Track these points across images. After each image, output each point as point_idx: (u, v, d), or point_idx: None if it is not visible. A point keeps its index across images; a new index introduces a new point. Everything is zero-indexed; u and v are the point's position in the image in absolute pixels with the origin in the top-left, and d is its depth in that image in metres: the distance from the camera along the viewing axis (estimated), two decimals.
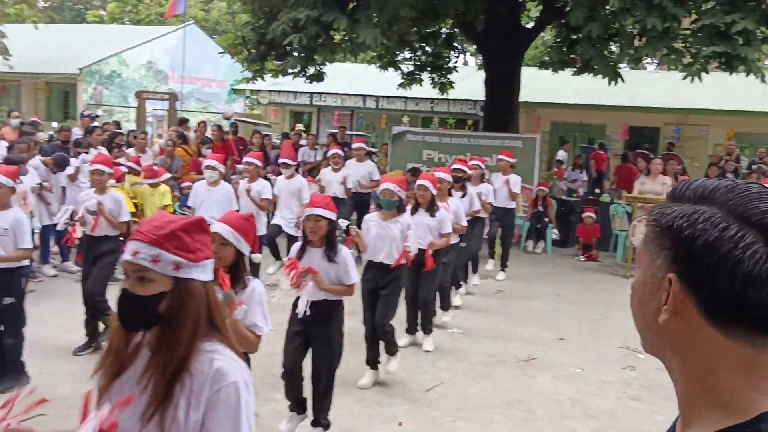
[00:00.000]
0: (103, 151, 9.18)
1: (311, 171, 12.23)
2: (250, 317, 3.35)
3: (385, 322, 5.54)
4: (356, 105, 18.73)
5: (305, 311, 4.31)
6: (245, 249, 3.43)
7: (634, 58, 9.47)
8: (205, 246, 1.74)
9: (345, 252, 4.51)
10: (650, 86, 18.46)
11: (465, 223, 6.98)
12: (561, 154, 15.09)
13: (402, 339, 6.30)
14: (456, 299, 7.89)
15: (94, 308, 5.89)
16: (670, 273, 0.88)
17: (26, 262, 5.33)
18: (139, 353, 1.73)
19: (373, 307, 5.57)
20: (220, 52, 14.60)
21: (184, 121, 13.08)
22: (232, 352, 1.73)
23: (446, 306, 7.30)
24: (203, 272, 1.73)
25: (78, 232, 6.05)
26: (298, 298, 4.46)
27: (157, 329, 1.68)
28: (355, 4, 9.06)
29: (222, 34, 33.67)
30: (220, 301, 1.89)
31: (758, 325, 0.83)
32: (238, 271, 3.43)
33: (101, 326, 5.95)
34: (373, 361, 5.63)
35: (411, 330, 6.58)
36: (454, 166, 7.82)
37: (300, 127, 17.05)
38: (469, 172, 8.04)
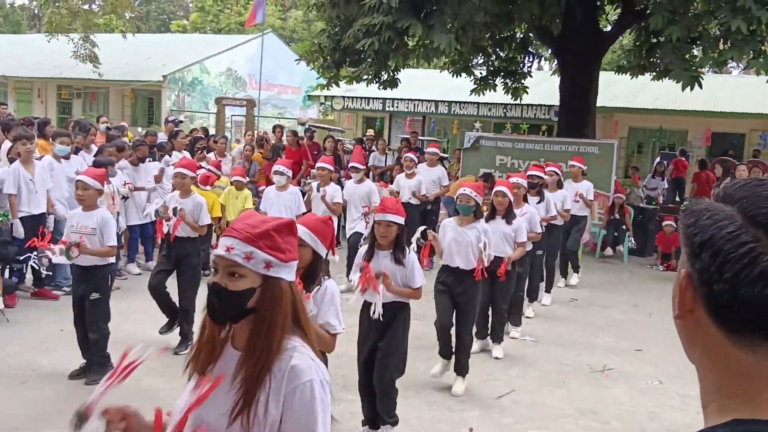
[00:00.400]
0: (186, 155, 9.55)
1: (382, 176, 12.34)
2: (323, 316, 3.43)
3: (467, 331, 5.55)
4: (428, 110, 18.78)
5: (379, 313, 4.36)
6: (322, 251, 3.50)
7: (718, 62, 9.09)
8: (293, 247, 1.79)
9: (412, 255, 4.56)
10: (735, 91, 17.73)
11: (540, 231, 6.87)
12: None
13: (473, 344, 6.25)
14: (529, 311, 7.77)
15: (183, 316, 6.10)
16: (683, 270, 0.87)
17: (112, 260, 5.57)
18: (225, 349, 1.79)
19: (447, 309, 5.57)
20: (296, 60, 14.90)
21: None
22: (310, 350, 1.76)
23: (517, 321, 7.15)
24: (290, 273, 1.77)
25: (164, 228, 6.25)
26: (365, 303, 4.54)
27: (247, 327, 1.72)
28: (429, 10, 9.06)
29: (298, 42, 34.38)
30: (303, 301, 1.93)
31: (754, 328, 0.80)
32: (314, 271, 3.50)
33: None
34: (446, 354, 5.64)
35: (481, 334, 6.53)
36: (530, 171, 7.72)
37: (370, 133, 17.19)
38: (546, 178, 7.93)
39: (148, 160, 8.76)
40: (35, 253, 6.67)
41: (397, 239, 4.46)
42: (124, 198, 8.27)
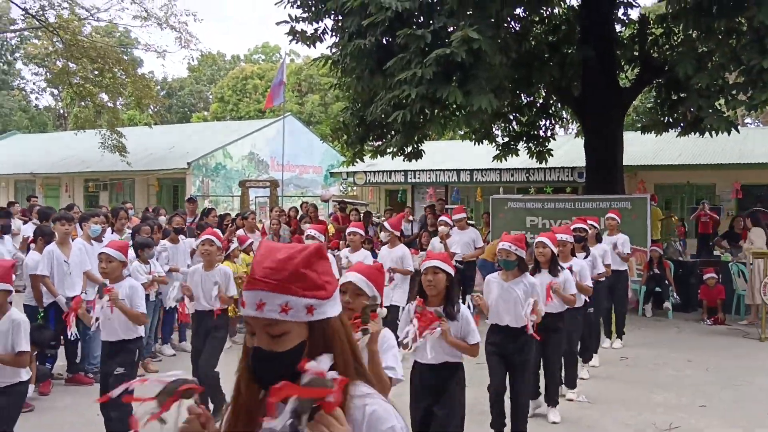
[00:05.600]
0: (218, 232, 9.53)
1: (409, 245, 12.21)
2: (383, 361, 3.23)
3: (523, 392, 5.25)
4: (450, 180, 18.84)
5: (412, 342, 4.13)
6: (377, 299, 3.34)
7: (751, 105, 9.02)
8: (330, 275, 1.53)
9: (465, 309, 4.34)
10: (761, 141, 17.61)
11: (591, 284, 6.59)
12: None
13: None
14: (583, 371, 7.40)
15: (208, 386, 5.85)
16: None
17: (141, 333, 5.35)
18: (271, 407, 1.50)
19: (500, 372, 5.29)
20: (322, 139, 15.14)
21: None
22: (381, 395, 1.57)
23: (572, 383, 6.78)
24: (335, 306, 1.52)
25: (189, 308, 6.08)
26: (415, 363, 4.32)
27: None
28: (462, 77, 9.18)
29: (316, 124, 35.20)
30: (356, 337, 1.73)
31: None
32: (368, 320, 3.34)
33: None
34: (499, 427, 5.31)
35: (533, 395, 6.19)
36: (575, 225, 7.52)
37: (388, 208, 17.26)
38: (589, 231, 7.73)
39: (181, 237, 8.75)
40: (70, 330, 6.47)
41: (447, 292, 4.25)
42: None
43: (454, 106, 10.22)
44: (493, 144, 14.35)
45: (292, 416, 1.35)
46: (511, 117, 14.30)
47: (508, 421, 5.29)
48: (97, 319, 5.15)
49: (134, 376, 5.23)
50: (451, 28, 9.43)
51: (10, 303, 4.34)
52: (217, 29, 68.76)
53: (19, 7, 20.60)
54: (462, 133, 15.41)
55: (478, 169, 18.06)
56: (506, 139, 14.44)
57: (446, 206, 15.39)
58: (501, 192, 17.09)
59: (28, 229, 9.48)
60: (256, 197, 20.51)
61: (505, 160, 14.42)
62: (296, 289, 1.44)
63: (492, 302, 5.27)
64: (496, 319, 5.25)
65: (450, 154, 20.25)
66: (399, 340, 4.15)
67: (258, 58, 50.28)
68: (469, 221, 13.93)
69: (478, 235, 10.26)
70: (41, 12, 20.11)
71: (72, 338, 6.52)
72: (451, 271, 4.25)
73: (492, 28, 9.39)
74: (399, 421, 1.51)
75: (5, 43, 35.04)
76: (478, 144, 14.32)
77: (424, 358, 4.19)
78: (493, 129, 14.60)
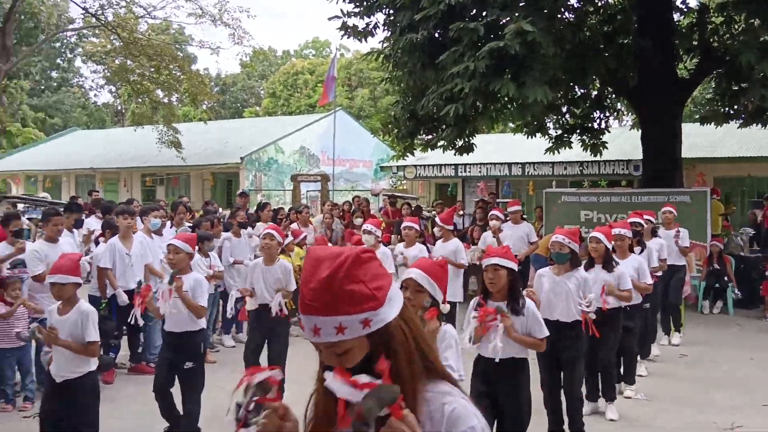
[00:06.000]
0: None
1: (461, 239, 12.16)
2: (443, 359, 3.23)
3: (576, 389, 5.19)
4: (502, 173, 18.66)
5: (495, 349, 4.11)
6: (439, 296, 3.35)
7: None
8: (379, 278, 1.45)
9: (531, 304, 4.30)
10: None
11: (650, 282, 6.43)
12: None
13: (584, 406, 5.84)
14: (641, 368, 7.26)
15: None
16: None
17: (203, 325, 5.44)
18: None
19: (552, 369, 5.24)
20: (372, 133, 15.19)
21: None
22: (462, 393, 1.55)
23: (631, 379, 6.67)
24: (392, 307, 1.46)
25: (250, 305, 6.11)
26: (478, 356, 4.29)
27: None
28: (516, 70, 9.09)
29: (366, 118, 35.33)
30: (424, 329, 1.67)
31: None
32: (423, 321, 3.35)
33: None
34: (558, 426, 5.26)
35: (592, 396, 6.11)
36: (631, 219, 7.37)
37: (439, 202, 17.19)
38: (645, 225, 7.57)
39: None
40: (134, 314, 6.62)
41: (510, 288, 4.22)
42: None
43: (506, 98, 10.11)
44: (546, 137, 14.15)
45: (359, 423, 1.34)
46: (565, 109, 14.05)
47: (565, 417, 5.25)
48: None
49: (203, 368, 5.36)
50: (504, 21, 9.33)
51: None
52: (269, 25, 69.64)
53: (78, 5, 21.28)
54: (514, 125, 15.26)
55: (530, 163, 17.83)
56: (559, 132, 14.21)
57: (499, 200, 15.28)
58: (553, 185, 16.85)
59: (91, 223, 9.79)
60: (307, 191, 20.76)
61: (558, 152, 14.20)
62: (347, 309, 1.40)
63: (543, 297, 5.21)
64: (547, 313, 5.16)
65: (501, 147, 20.06)
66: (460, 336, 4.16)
67: (308, 53, 50.74)
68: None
69: (531, 230, 10.14)
70: (100, 11, 20.73)
71: (138, 324, 6.62)
72: (513, 266, 4.22)
73: (546, 19, 9.25)
74: (479, 421, 1.49)
75: (65, 41, 36.23)
76: (531, 137, 14.14)
77: (489, 352, 4.17)
78: (546, 121, 14.39)
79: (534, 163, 17.73)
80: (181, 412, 5.27)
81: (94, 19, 21.33)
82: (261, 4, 36.80)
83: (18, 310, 6.25)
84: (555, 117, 14.29)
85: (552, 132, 14.35)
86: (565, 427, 5.25)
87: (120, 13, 20.73)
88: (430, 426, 1.46)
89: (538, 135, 14.04)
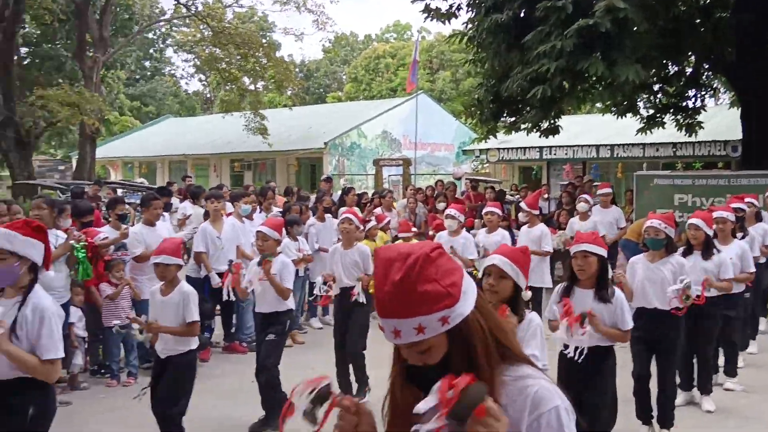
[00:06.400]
0: (356, 210, 9.83)
1: (546, 223, 11.91)
2: (527, 348, 3.21)
3: (669, 379, 5.03)
4: (589, 155, 18.12)
5: (575, 356, 4.05)
6: (522, 282, 3.32)
7: None
8: (450, 273, 1.46)
9: (619, 293, 4.18)
10: None
11: (753, 270, 6.10)
12: None
13: (677, 397, 5.65)
14: (739, 359, 6.91)
15: (355, 367, 6.06)
16: None
17: (291, 305, 5.64)
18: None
19: (645, 358, 5.09)
20: (455, 116, 15.07)
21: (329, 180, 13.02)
22: (543, 375, 1.57)
23: (733, 371, 6.38)
24: (467, 299, 1.47)
25: (334, 290, 6.19)
26: (565, 345, 4.22)
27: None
28: (605, 48, 8.79)
29: (447, 101, 35.08)
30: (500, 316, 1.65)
31: None
32: (516, 304, 3.32)
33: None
34: (645, 417, 5.12)
35: (686, 386, 5.90)
36: (733, 205, 7.01)
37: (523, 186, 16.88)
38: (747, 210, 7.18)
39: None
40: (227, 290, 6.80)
41: (599, 275, 4.12)
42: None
43: (595, 78, 9.80)
44: (637, 117, 13.62)
45: (452, 421, 1.37)
46: (657, 88, 13.48)
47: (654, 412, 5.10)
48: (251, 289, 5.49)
49: (284, 343, 5.59)
50: None
51: None
52: (351, 9, 70.06)
53: None
54: (602, 106, 14.78)
55: (619, 144, 17.21)
56: (651, 112, 13.65)
57: (594, 182, 14.82)
58: (644, 168, 16.22)
59: (186, 208, 10.22)
60: (389, 175, 20.85)
61: (650, 133, 13.64)
62: (424, 309, 1.41)
63: (637, 285, 5.06)
64: (642, 301, 5.04)
65: (588, 129, 19.46)
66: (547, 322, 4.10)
67: (390, 37, 50.74)
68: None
69: (621, 215, 9.81)
70: (190, 1, 21.45)
71: (231, 300, 6.84)
72: (603, 253, 4.12)
73: None
74: (563, 401, 1.50)
75: (158, 31, 37.75)
76: (621, 117, 13.65)
77: (573, 347, 4.10)
78: (637, 101, 13.84)
79: (624, 145, 17.10)
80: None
81: (184, 9, 22.11)
82: None
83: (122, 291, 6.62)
84: (647, 96, 13.73)
85: (643, 112, 13.79)
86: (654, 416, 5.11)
87: (209, 3, 21.38)
88: (513, 410, 1.47)
89: (629, 115, 13.53)
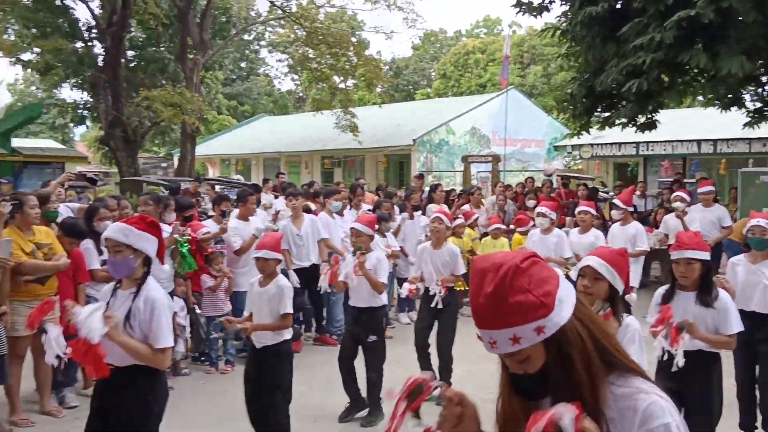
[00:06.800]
0: (444, 207, 9.84)
1: (643, 221, 11.51)
2: None
3: None
4: (689, 151, 17.34)
5: (677, 364, 3.90)
6: (620, 285, 3.23)
7: None
8: (544, 282, 1.45)
9: (724, 295, 4.01)
10: None
11: None
12: None
13: None
14: None
15: (443, 365, 6.08)
16: None
17: (385, 301, 5.76)
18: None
19: (747, 362, 4.87)
20: (547, 112, 14.79)
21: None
22: (657, 389, 1.51)
23: None
24: (562, 308, 1.45)
25: (419, 287, 6.24)
26: (664, 351, 4.07)
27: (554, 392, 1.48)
28: (708, 39, 8.40)
29: (538, 96, 34.41)
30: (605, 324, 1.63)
31: None
32: (613, 308, 3.25)
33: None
34: (750, 424, 4.89)
35: None
36: None
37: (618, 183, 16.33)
38: None
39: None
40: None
41: (702, 278, 3.97)
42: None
43: (696, 71, 9.37)
44: (743, 110, 12.90)
45: None
46: (765, 80, 12.71)
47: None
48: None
49: (384, 342, 5.72)
50: None
51: None
52: (441, 6, 69.88)
53: None
54: (704, 99, 14.10)
55: (722, 139, 16.37)
56: (758, 105, 12.89)
57: (686, 180, 14.22)
58: (750, 164, 15.36)
59: (279, 203, 10.53)
60: (477, 172, 20.72)
61: (757, 127, 12.90)
62: (518, 320, 1.42)
63: (738, 286, 4.86)
64: (742, 304, 4.80)
65: (688, 123, 18.61)
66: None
67: (479, 32, 50.26)
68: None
69: (725, 213, 9.30)
70: (285, 2, 22.04)
71: (322, 293, 7.05)
72: (707, 257, 3.97)
73: None
74: (674, 418, 1.45)
75: (253, 32, 39.03)
76: (724, 111, 12.97)
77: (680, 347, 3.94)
78: (743, 94, 13.10)
79: (728, 140, 16.27)
80: (366, 381, 5.62)
81: (279, 11, 22.75)
82: None
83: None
84: (753, 88, 12.98)
85: (750, 105, 13.05)
86: (758, 423, 4.88)
87: (303, 4, 21.90)
88: (621, 423, 1.45)
89: (734, 109, 12.84)
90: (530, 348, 1.43)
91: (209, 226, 7.13)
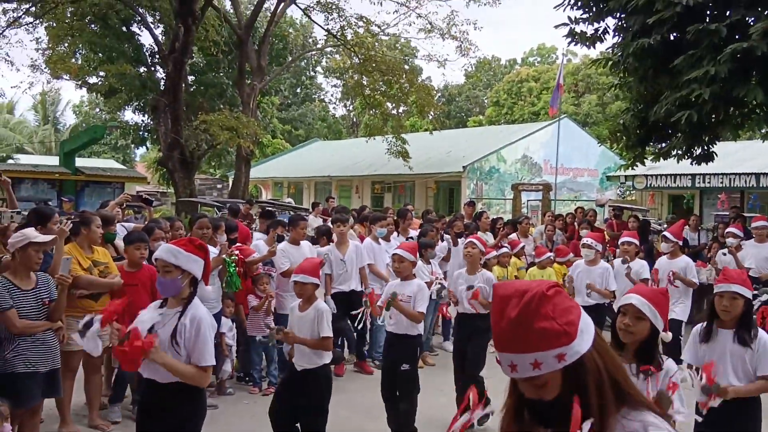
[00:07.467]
0: (489, 236, 9.84)
1: (695, 256, 11.22)
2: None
3: None
4: (748, 185, 16.85)
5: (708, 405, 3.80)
6: (660, 324, 3.20)
7: None
8: (568, 312, 1.50)
9: (764, 336, 3.91)
10: None
11: None
12: None
13: None
14: None
15: (470, 382, 6.02)
16: None
17: (421, 330, 5.75)
18: None
19: None
20: (599, 141, 14.63)
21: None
22: (666, 424, 1.54)
23: None
24: (583, 339, 1.50)
25: (451, 311, 6.27)
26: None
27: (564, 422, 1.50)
28: (762, 71, 8.25)
29: (593, 125, 34.01)
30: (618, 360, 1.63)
31: None
32: (650, 348, 3.19)
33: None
34: None
35: None
36: None
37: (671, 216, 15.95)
38: None
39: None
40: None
41: (742, 316, 3.90)
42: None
43: (754, 103, 9.19)
44: None
45: None
46: None
47: None
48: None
49: (417, 370, 5.71)
50: (751, 20, 8.50)
51: None
52: (495, 34, 70.08)
53: (322, 27, 23.32)
54: (764, 132, 13.74)
55: None
56: None
57: (742, 213, 13.82)
58: None
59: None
60: (528, 200, 20.57)
61: None
62: (540, 345, 1.46)
63: None
64: None
65: (747, 156, 18.11)
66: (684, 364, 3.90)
67: (534, 60, 50.12)
68: None
69: None
70: (341, 31, 22.51)
71: (367, 326, 7.11)
72: (750, 295, 3.90)
73: None
74: None
75: (309, 59, 39.85)
76: None
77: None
78: None
79: None
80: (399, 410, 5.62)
81: (335, 39, 23.26)
82: (486, 14, 37.15)
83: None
84: None
85: None
86: None
87: (359, 32, 22.33)
88: None
89: None
90: (549, 374, 1.47)
91: (259, 246, 7.32)
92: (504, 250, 9.02)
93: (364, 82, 23.07)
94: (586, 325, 1.52)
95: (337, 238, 8.01)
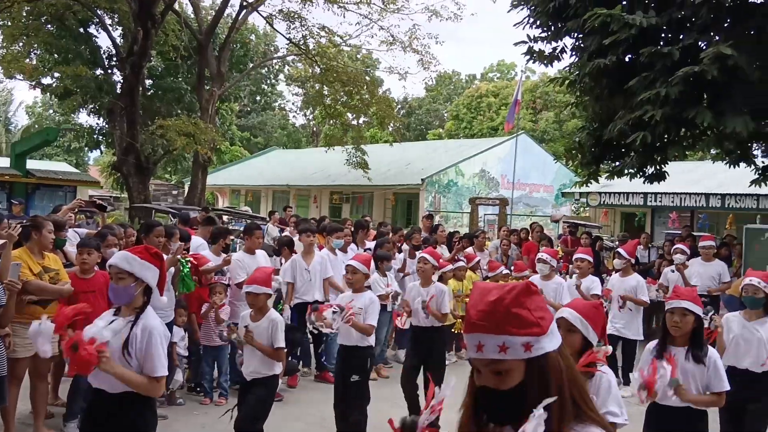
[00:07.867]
0: (445, 249, 9.90)
1: (645, 273, 11.49)
2: (603, 404, 3.18)
3: None
4: (698, 204, 17.36)
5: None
6: (593, 337, 3.28)
7: None
8: (544, 310, 1.55)
9: (714, 353, 4.04)
10: None
11: None
12: None
13: None
14: None
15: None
16: None
17: (372, 342, 5.73)
18: None
19: (735, 422, 4.85)
20: (555, 158, 14.91)
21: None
22: None
23: None
24: (553, 340, 1.54)
25: (405, 323, 6.32)
26: (652, 405, 4.09)
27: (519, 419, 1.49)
28: (713, 97, 8.53)
29: (550, 142, 34.65)
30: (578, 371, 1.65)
31: None
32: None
33: None
34: None
35: None
36: None
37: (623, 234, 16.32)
38: None
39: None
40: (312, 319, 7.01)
41: (694, 333, 4.00)
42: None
43: (704, 125, 9.48)
44: (752, 167, 12.94)
45: None
46: None
47: None
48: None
49: (368, 381, 5.68)
50: (703, 45, 8.80)
51: None
52: (456, 49, 70.97)
53: (284, 36, 23.25)
54: (714, 152, 14.17)
55: (731, 194, 16.39)
56: (767, 163, 12.94)
57: (692, 233, 14.23)
58: (758, 221, 15.38)
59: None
60: (485, 214, 20.79)
61: (765, 185, 12.94)
62: (511, 329, 1.49)
63: (731, 341, 4.89)
64: (733, 360, 4.85)
65: (698, 176, 18.69)
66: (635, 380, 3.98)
67: (494, 76, 50.86)
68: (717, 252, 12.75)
69: (724, 269, 9.34)
70: (303, 40, 22.48)
71: (316, 333, 7.05)
72: (700, 312, 4.02)
73: (753, 42, 8.58)
74: None
75: (270, 67, 39.66)
76: (733, 166, 13.02)
77: (665, 399, 3.95)
78: (753, 150, 13.16)
79: (736, 195, 16.28)
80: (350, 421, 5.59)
81: (296, 48, 23.20)
82: (447, 29, 37.63)
83: (222, 313, 6.97)
84: (762, 145, 13.05)
85: (759, 162, 13.10)
86: None
87: (321, 42, 22.32)
88: None
89: (743, 165, 12.90)
90: (513, 362, 1.50)
91: (210, 258, 7.20)
92: (460, 263, 9.07)
93: (325, 92, 23.08)
94: (556, 330, 1.57)
95: (304, 248, 7.95)
